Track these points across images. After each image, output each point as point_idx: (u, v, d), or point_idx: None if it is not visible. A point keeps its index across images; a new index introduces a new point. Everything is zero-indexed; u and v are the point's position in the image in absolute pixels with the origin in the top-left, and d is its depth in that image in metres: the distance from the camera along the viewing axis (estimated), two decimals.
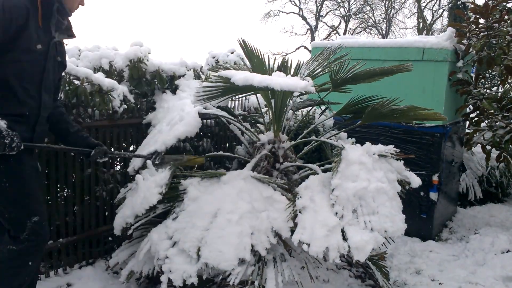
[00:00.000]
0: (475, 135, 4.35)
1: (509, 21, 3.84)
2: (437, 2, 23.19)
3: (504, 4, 3.95)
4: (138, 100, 3.12)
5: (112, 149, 3.00)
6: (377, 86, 3.18)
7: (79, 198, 2.83)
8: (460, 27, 4.00)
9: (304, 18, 27.89)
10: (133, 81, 3.11)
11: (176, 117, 2.82)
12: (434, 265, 3.41)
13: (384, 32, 26.35)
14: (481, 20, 3.92)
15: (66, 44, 2.20)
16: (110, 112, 2.88)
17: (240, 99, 3.86)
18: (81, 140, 2.26)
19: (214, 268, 2.15)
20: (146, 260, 2.47)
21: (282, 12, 28.00)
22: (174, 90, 3.33)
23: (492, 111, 4.05)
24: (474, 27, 3.93)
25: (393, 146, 2.70)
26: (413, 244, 3.78)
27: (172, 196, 2.57)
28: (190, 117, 2.75)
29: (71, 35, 2.14)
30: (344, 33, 25.79)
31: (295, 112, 3.65)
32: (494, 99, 4.08)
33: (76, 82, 2.71)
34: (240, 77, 2.23)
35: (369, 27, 27.11)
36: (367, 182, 2.27)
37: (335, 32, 27.60)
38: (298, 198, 2.33)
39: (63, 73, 2.26)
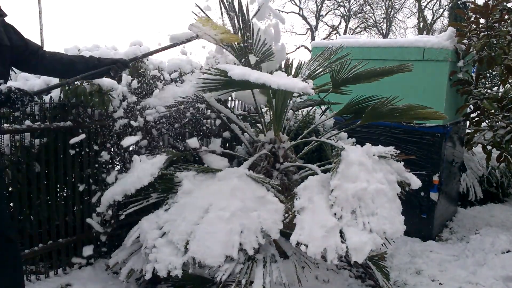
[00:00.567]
0: (475, 135, 4.35)
1: (509, 21, 3.83)
2: (438, 2, 23.17)
3: (505, 4, 3.94)
4: (138, 100, 3.11)
5: (112, 149, 3.00)
6: (377, 86, 3.18)
7: (78, 198, 2.82)
8: (460, 26, 3.99)
9: (304, 18, 27.87)
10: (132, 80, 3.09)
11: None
12: (434, 265, 3.41)
13: (384, 31, 26.33)
14: (482, 20, 3.92)
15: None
16: (110, 112, 2.88)
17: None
18: (93, 65, 2.28)
19: (200, 263, 2.15)
20: (145, 259, 2.47)
21: (282, 11, 27.97)
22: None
23: (493, 111, 4.04)
24: (475, 26, 3.92)
25: (393, 146, 2.69)
26: (414, 244, 3.77)
27: (167, 187, 2.58)
28: None
29: (0, 14, 1.99)
30: (345, 33, 25.77)
31: (295, 112, 3.65)
32: (495, 99, 4.07)
33: (76, 82, 2.70)
34: (237, 71, 2.22)
35: (370, 27, 27.08)
36: (367, 183, 2.27)
37: (335, 31, 27.58)
38: (296, 198, 2.33)
39: (20, 43, 2.10)
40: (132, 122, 2.97)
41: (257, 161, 2.84)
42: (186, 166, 2.75)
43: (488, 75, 6.10)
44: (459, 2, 11.78)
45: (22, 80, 2.74)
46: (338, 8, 27.37)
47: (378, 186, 2.28)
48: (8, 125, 2.43)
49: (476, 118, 4.39)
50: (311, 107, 3.55)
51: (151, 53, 2.60)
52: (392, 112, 2.85)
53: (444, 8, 22.42)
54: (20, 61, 2.14)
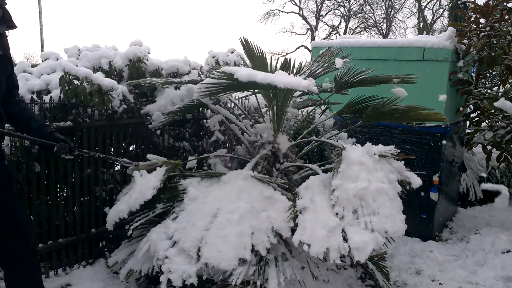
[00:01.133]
0: (475, 135, 4.35)
1: (509, 21, 3.83)
2: (438, 2, 23.19)
3: (505, 3, 3.94)
4: (137, 100, 3.12)
5: (112, 150, 3.00)
6: (377, 86, 3.17)
7: (78, 198, 2.82)
8: (460, 26, 3.99)
9: (304, 18, 27.90)
10: (132, 80, 3.10)
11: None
12: (434, 265, 3.41)
13: (384, 31, 26.34)
14: (482, 20, 3.91)
15: (7, 36, 2.04)
16: (110, 112, 2.88)
17: (240, 99, 3.85)
18: (44, 135, 2.17)
19: (214, 268, 2.15)
20: (145, 259, 2.46)
21: (282, 11, 28.01)
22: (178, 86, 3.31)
23: (493, 111, 4.04)
24: (475, 26, 3.92)
25: (394, 146, 2.69)
26: (414, 244, 3.77)
27: (172, 196, 2.57)
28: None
29: (11, 25, 2.00)
30: (345, 33, 25.79)
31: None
32: (495, 99, 4.07)
33: (76, 82, 2.70)
34: (244, 73, 2.22)
35: (370, 27, 27.10)
36: (368, 182, 2.27)
37: (335, 31, 27.60)
38: (298, 198, 2.33)
39: (10, 67, 2.10)
40: None
41: (257, 161, 2.84)
42: (189, 172, 2.73)
43: (488, 75, 6.11)
44: (459, 2, 11.79)
45: (22, 80, 2.74)
46: (338, 8, 27.41)
47: (379, 185, 2.28)
48: (9, 125, 2.43)
49: (476, 118, 4.39)
50: (311, 107, 3.55)
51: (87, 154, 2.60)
52: (393, 113, 2.85)
53: (444, 8, 22.44)
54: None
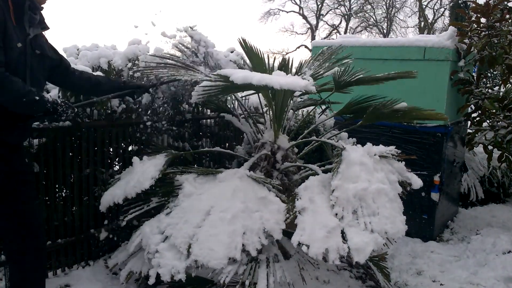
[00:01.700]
0: (476, 135, 4.33)
1: (510, 20, 3.82)
2: (439, 1, 23.16)
3: (505, 3, 3.93)
4: (137, 100, 3.10)
5: (111, 149, 2.99)
6: (378, 86, 3.16)
7: (77, 199, 2.81)
8: (461, 26, 3.97)
9: (305, 17, 27.87)
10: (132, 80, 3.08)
11: None
12: (435, 266, 3.40)
13: (385, 31, 26.33)
14: (483, 19, 3.90)
15: (42, 35, 2.19)
16: (109, 111, 2.86)
17: (241, 98, 3.84)
18: (120, 87, 2.60)
19: (203, 265, 2.14)
20: (145, 260, 2.46)
21: (282, 11, 27.99)
22: None
23: (494, 110, 4.03)
24: (476, 26, 3.91)
25: (394, 146, 2.68)
26: (414, 245, 3.76)
27: (167, 191, 2.57)
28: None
29: (44, 27, 2.17)
30: (345, 32, 25.77)
31: (295, 112, 3.63)
32: (496, 98, 4.06)
33: None
34: (239, 75, 2.21)
35: (370, 26, 27.09)
36: (368, 183, 2.25)
37: (335, 31, 27.59)
38: (297, 199, 2.32)
39: (55, 57, 2.29)
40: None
41: (257, 161, 2.83)
42: (186, 168, 2.74)
43: (489, 74, 6.10)
44: (460, 2, 11.77)
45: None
46: (338, 7, 27.38)
47: (379, 186, 2.26)
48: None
49: (477, 118, 4.37)
50: (311, 107, 3.54)
51: (170, 81, 2.86)
52: (394, 113, 2.84)
53: (445, 7, 22.42)
54: (53, 74, 2.28)
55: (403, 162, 2.57)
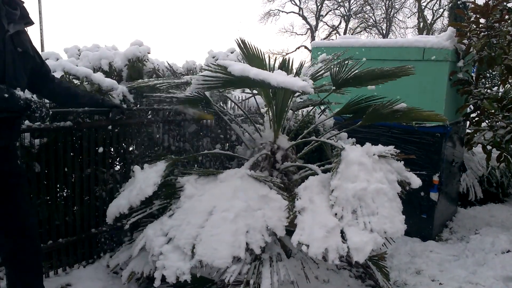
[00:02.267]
0: (475, 135, 4.35)
1: (509, 21, 3.83)
2: (438, 2, 23.19)
3: (505, 3, 3.94)
4: (137, 100, 3.12)
5: (112, 149, 3.00)
6: (377, 86, 3.18)
7: (78, 198, 2.82)
8: (460, 26, 3.99)
9: (304, 18, 27.90)
10: (132, 80, 3.10)
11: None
12: (434, 265, 3.41)
13: (384, 31, 26.34)
14: (482, 20, 3.92)
15: (25, 32, 2.08)
16: None
17: (240, 99, 3.85)
18: (97, 104, 2.51)
19: (208, 265, 2.15)
20: (147, 260, 2.47)
21: (282, 11, 28.01)
22: None
23: (493, 111, 4.05)
24: (475, 26, 3.92)
25: (394, 146, 2.69)
26: (414, 244, 3.77)
27: (169, 193, 2.58)
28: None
29: (28, 22, 2.07)
30: (345, 33, 25.79)
31: (295, 112, 3.65)
32: (495, 99, 4.08)
33: (76, 81, 2.70)
34: (238, 67, 2.20)
35: (370, 27, 27.11)
36: (367, 183, 2.27)
37: (335, 31, 27.61)
38: (297, 199, 2.33)
39: (38, 60, 2.18)
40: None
41: (257, 161, 2.84)
42: (187, 170, 2.75)
43: (488, 75, 6.11)
44: (459, 2, 11.79)
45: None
46: (338, 8, 27.41)
47: (378, 185, 2.28)
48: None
49: (476, 118, 4.39)
50: (311, 107, 3.55)
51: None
52: (393, 114, 2.85)
53: (444, 8, 22.44)
54: (32, 77, 2.15)
55: (402, 162, 2.58)
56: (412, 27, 26.06)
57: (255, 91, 3.32)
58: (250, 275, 2.21)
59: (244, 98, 3.89)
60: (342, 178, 2.29)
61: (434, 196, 3.85)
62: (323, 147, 3.57)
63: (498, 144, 4.11)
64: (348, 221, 2.16)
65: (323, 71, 3.06)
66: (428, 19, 23.27)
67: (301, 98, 3.61)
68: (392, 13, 26.00)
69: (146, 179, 2.49)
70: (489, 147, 4.28)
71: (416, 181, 2.53)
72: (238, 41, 2.97)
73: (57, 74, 2.78)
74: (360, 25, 27.36)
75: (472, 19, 3.96)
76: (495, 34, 3.84)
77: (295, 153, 3.02)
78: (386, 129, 4.02)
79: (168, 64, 3.34)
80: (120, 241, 2.97)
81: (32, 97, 2.01)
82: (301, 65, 3.26)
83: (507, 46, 3.79)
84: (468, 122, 4.58)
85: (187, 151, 3.41)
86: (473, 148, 4.58)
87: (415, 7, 24.27)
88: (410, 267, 3.36)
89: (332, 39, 18.74)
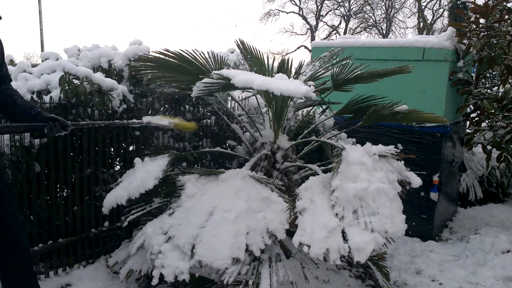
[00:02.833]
0: (475, 135, 4.35)
1: (509, 21, 3.83)
2: (438, 2, 23.19)
3: (505, 4, 3.94)
4: (137, 100, 3.12)
5: (112, 149, 3.00)
6: (377, 86, 3.18)
7: (78, 198, 2.82)
8: (460, 26, 3.99)
9: (304, 18, 27.90)
10: (133, 79, 3.10)
11: None
12: (434, 265, 3.41)
13: (384, 31, 26.34)
14: (482, 20, 3.92)
15: None
16: (110, 112, 2.88)
17: (240, 98, 3.86)
18: (28, 118, 2.04)
19: (207, 266, 2.15)
20: (145, 259, 2.47)
21: (282, 11, 28.01)
22: None
23: (493, 111, 4.05)
24: (475, 26, 3.92)
25: (394, 146, 2.69)
26: (414, 244, 3.77)
27: (170, 191, 2.58)
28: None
29: None
30: (345, 33, 25.78)
31: (295, 112, 3.65)
32: (495, 99, 4.08)
33: (76, 81, 2.70)
34: (240, 78, 2.21)
35: (370, 27, 27.10)
36: (368, 182, 2.27)
37: (335, 31, 27.61)
38: (298, 199, 2.33)
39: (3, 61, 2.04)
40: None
41: (257, 161, 2.84)
42: (188, 169, 2.75)
43: (488, 75, 6.11)
44: (459, 2, 11.79)
45: (22, 80, 2.74)
46: (338, 8, 27.40)
47: (379, 185, 2.28)
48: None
49: (476, 118, 4.39)
50: (311, 107, 3.55)
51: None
52: (394, 115, 2.85)
53: (444, 8, 22.44)
54: None
55: (402, 162, 2.59)
56: (412, 27, 26.07)
57: (255, 91, 3.32)
58: (249, 275, 2.21)
59: (244, 98, 3.89)
60: (343, 178, 2.29)
61: (434, 196, 3.85)
62: (323, 147, 3.57)
63: (498, 144, 4.11)
64: (349, 221, 2.16)
65: (322, 71, 3.05)
66: (428, 19, 23.28)
67: (301, 98, 3.62)
68: (392, 13, 26.00)
69: (147, 172, 2.49)
70: (489, 147, 4.28)
71: (416, 181, 2.53)
72: (237, 41, 2.97)
73: (57, 74, 2.78)
74: (360, 25, 27.36)
75: (472, 19, 3.96)
76: (495, 34, 3.84)
77: (295, 153, 3.02)
78: (386, 129, 4.02)
79: None
80: (120, 241, 2.97)
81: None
82: (300, 66, 3.26)
83: (507, 46, 3.79)
84: (468, 122, 4.58)
85: (187, 151, 3.41)
86: (473, 148, 4.58)
87: (415, 7, 24.28)
88: (410, 267, 3.36)
89: (332, 39, 18.74)
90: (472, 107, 4.30)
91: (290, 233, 2.25)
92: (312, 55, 4.49)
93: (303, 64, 3.29)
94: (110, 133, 2.93)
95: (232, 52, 4.65)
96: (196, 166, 3.36)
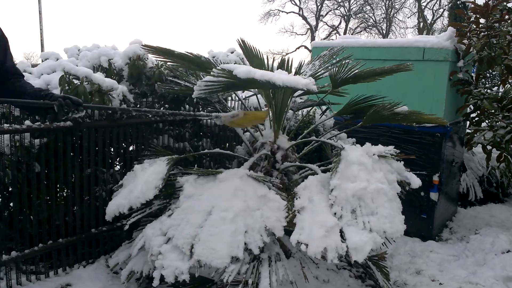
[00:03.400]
0: (475, 135, 4.35)
1: (509, 21, 3.83)
2: (438, 2, 23.19)
3: (505, 4, 3.94)
4: (137, 100, 3.12)
5: (112, 150, 3.00)
6: (377, 86, 3.18)
7: (78, 198, 2.82)
8: (460, 26, 3.99)
9: (304, 18, 27.91)
10: (132, 79, 3.10)
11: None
12: (434, 265, 3.41)
13: (384, 31, 26.34)
14: (482, 20, 3.92)
15: None
16: (110, 112, 2.88)
17: (240, 99, 3.86)
18: (39, 98, 1.99)
19: (206, 265, 2.15)
20: (146, 260, 2.47)
21: (282, 11, 28.02)
22: None
23: (493, 111, 4.04)
24: (475, 26, 3.92)
25: (394, 146, 2.69)
26: (414, 244, 3.77)
27: (169, 193, 2.58)
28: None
29: None
30: (345, 33, 25.79)
31: (296, 112, 3.65)
32: (495, 99, 4.07)
33: (76, 81, 2.70)
34: (242, 70, 2.20)
35: (370, 27, 27.11)
36: (367, 182, 2.27)
37: (335, 31, 27.61)
38: (296, 198, 2.33)
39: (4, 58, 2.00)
40: None
41: (257, 161, 2.84)
42: (187, 170, 2.75)
43: (488, 75, 6.10)
44: (458, 2, 11.79)
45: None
46: (338, 8, 27.40)
47: (378, 185, 2.28)
48: (8, 125, 2.43)
49: (476, 118, 4.39)
50: (311, 107, 3.55)
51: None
52: (394, 116, 2.85)
53: (444, 8, 22.45)
54: None
55: (402, 162, 2.59)
56: (412, 27, 26.09)
57: (256, 90, 3.32)
58: (248, 275, 2.21)
59: (244, 98, 3.89)
60: (341, 178, 2.29)
61: (434, 196, 3.85)
62: (323, 147, 3.57)
63: (498, 144, 4.11)
64: (347, 220, 2.16)
65: (322, 71, 3.05)
66: (428, 19, 23.29)
67: (301, 98, 3.62)
68: (392, 13, 26.00)
69: (147, 182, 2.48)
70: (489, 147, 4.28)
71: (416, 181, 2.53)
72: (239, 41, 2.97)
73: (57, 74, 2.78)
74: (360, 25, 27.37)
75: (472, 19, 3.96)
76: (495, 34, 3.84)
77: (295, 153, 3.02)
78: (386, 129, 4.02)
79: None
80: (120, 241, 2.97)
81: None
82: (300, 65, 3.26)
83: (507, 46, 3.79)
84: (468, 122, 4.58)
85: (186, 151, 3.41)
86: (473, 148, 4.58)
87: (415, 7, 24.28)
88: (410, 267, 3.36)
89: (332, 39, 18.74)
90: (472, 107, 4.30)
91: (289, 232, 2.25)
92: (312, 55, 4.49)
93: (303, 64, 3.29)
94: (110, 133, 2.92)
95: (232, 52, 4.65)
96: (196, 166, 3.36)
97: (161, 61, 2.98)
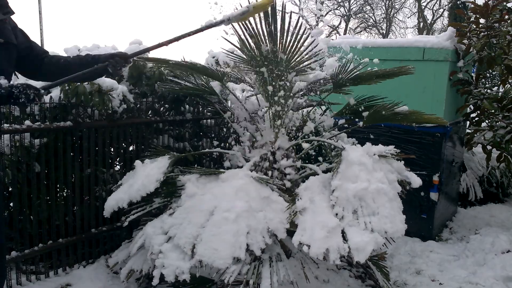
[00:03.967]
0: (475, 135, 4.35)
1: (509, 21, 3.83)
2: (438, 2, 23.19)
3: (505, 4, 3.94)
4: (137, 100, 3.12)
5: (112, 150, 3.00)
6: (377, 86, 3.18)
7: (78, 198, 2.82)
8: (460, 26, 3.99)
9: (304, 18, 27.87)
10: (132, 79, 3.10)
11: None
12: (434, 265, 3.41)
13: (384, 32, 26.34)
14: (482, 20, 3.92)
15: (6, 21, 1.96)
16: (110, 112, 2.88)
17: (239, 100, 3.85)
18: (88, 64, 2.13)
19: (208, 265, 2.15)
20: (146, 259, 2.47)
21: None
22: None
23: (493, 111, 4.05)
24: (475, 26, 3.92)
25: (394, 146, 2.69)
26: (414, 244, 3.77)
27: (170, 191, 2.58)
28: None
29: (7, 12, 1.95)
30: (345, 33, 25.77)
31: (296, 112, 3.64)
32: (495, 99, 4.08)
33: None
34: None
35: (370, 27, 27.09)
36: (367, 183, 2.27)
37: (335, 31, 27.60)
38: (298, 199, 2.33)
39: (25, 46, 2.07)
40: None
41: (257, 161, 2.84)
42: (189, 169, 2.75)
43: (488, 75, 6.10)
44: (458, 2, 11.79)
45: (22, 80, 2.74)
46: (338, 8, 27.38)
47: (379, 185, 2.28)
48: (8, 125, 2.43)
49: (476, 118, 4.39)
50: (311, 107, 3.55)
51: (160, 45, 2.29)
52: (394, 116, 2.86)
53: (444, 8, 22.44)
54: (22, 64, 2.08)
55: (402, 162, 2.59)
56: (412, 27, 26.06)
57: (255, 91, 3.32)
58: (249, 275, 2.21)
59: (245, 99, 3.88)
60: (342, 178, 2.29)
61: (434, 196, 3.85)
62: (323, 147, 3.57)
63: (498, 144, 4.11)
64: (349, 221, 2.16)
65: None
66: (428, 19, 23.28)
67: (301, 98, 3.61)
68: (392, 13, 25.98)
69: (148, 175, 2.49)
70: (489, 147, 4.28)
71: (416, 181, 2.53)
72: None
73: None
74: (360, 25, 27.34)
75: (472, 19, 3.96)
76: (495, 34, 3.84)
77: (295, 153, 3.01)
78: (386, 129, 4.02)
79: None
80: (120, 241, 2.97)
81: (13, 83, 1.88)
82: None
83: (507, 46, 3.79)
84: (468, 122, 4.58)
85: (186, 151, 3.41)
86: (473, 148, 4.58)
87: (415, 7, 24.27)
88: (410, 267, 3.36)
89: (332, 39, 18.72)
90: (472, 107, 4.30)
91: (291, 232, 2.25)
92: None
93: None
94: (110, 133, 2.92)
95: (233, 53, 4.64)
96: (196, 166, 3.35)
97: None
